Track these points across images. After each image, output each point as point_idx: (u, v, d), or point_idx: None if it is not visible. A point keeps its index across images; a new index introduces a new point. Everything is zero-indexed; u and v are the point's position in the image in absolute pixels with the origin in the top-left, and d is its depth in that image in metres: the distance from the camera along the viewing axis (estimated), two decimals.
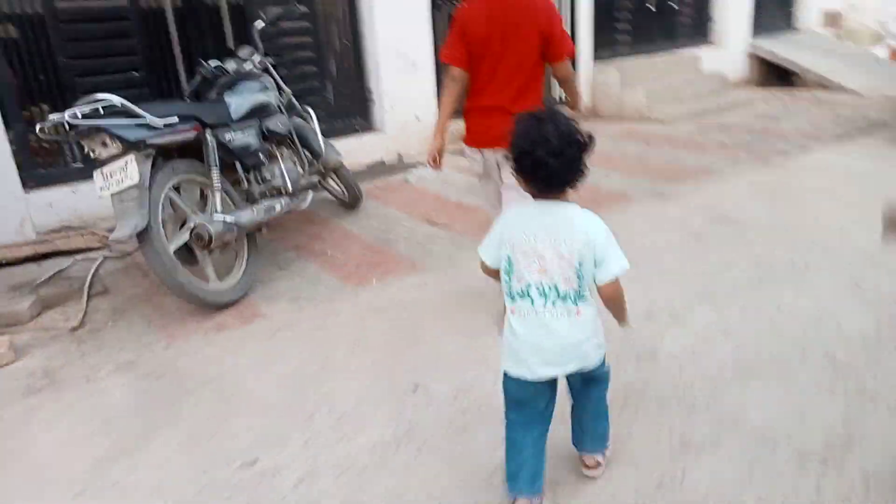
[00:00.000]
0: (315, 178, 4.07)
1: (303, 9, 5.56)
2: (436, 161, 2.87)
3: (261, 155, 3.56)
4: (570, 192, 1.65)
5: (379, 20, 5.84)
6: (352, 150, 5.87)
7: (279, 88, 4.16)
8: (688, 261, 3.40)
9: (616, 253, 1.62)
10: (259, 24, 3.98)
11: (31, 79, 4.38)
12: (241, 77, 3.69)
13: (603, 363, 1.78)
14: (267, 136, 3.74)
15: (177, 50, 5.01)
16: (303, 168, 3.96)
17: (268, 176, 3.62)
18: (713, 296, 2.98)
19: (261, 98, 3.65)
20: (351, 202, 4.54)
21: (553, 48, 2.70)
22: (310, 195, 3.86)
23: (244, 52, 3.96)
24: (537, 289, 1.61)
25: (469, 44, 2.68)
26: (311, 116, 4.07)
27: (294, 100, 4.25)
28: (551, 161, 1.52)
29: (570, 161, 1.55)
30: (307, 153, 4.08)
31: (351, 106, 6.12)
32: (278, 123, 3.79)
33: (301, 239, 4.12)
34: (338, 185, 4.42)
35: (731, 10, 8.61)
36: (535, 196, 1.64)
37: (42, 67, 4.40)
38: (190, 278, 2.96)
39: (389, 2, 5.85)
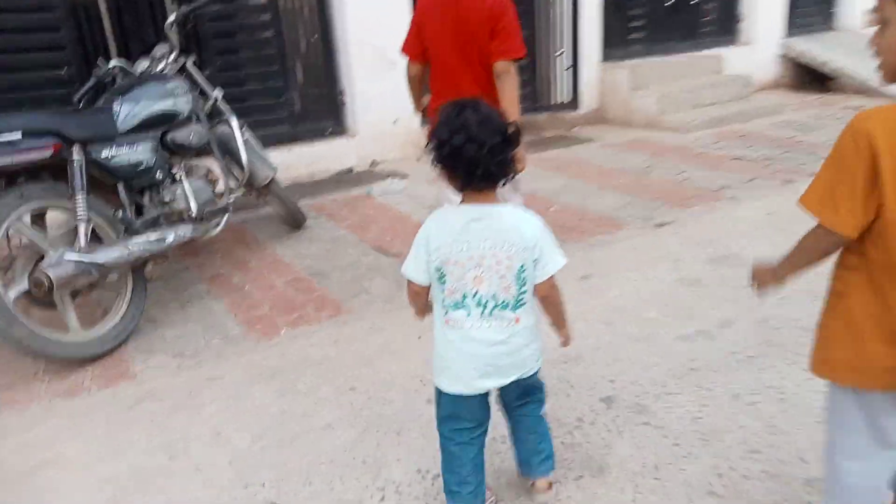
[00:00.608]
0: (242, 196, 3.46)
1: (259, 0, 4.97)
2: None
3: (158, 174, 2.95)
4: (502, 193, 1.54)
5: (351, 13, 5.20)
6: (320, 157, 5.27)
7: (202, 92, 3.56)
8: (674, 319, 2.69)
9: (552, 249, 1.51)
10: (172, 16, 3.37)
11: None
12: (142, 80, 3.09)
13: (538, 372, 1.64)
14: (173, 150, 3.15)
15: (112, 44, 4.45)
16: (226, 186, 3.35)
17: (167, 198, 3.02)
18: (697, 375, 2.27)
19: (163, 105, 3.04)
20: (291, 222, 3.92)
21: (494, 44, 2.49)
22: (223, 219, 3.24)
23: (160, 49, 3.37)
24: (474, 299, 1.48)
25: (425, 38, 2.63)
26: (232, 125, 3.45)
27: (223, 105, 3.65)
28: (471, 149, 1.38)
29: (492, 151, 1.39)
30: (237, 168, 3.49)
31: (320, 108, 5.50)
32: (190, 135, 3.18)
33: (223, 267, 3.51)
34: (275, 203, 3.80)
35: (764, 7, 7.75)
36: (461, 193, 1.48)
37: None
38: (32, 330, 2.37)
39: None
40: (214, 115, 3.52)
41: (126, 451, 2.07)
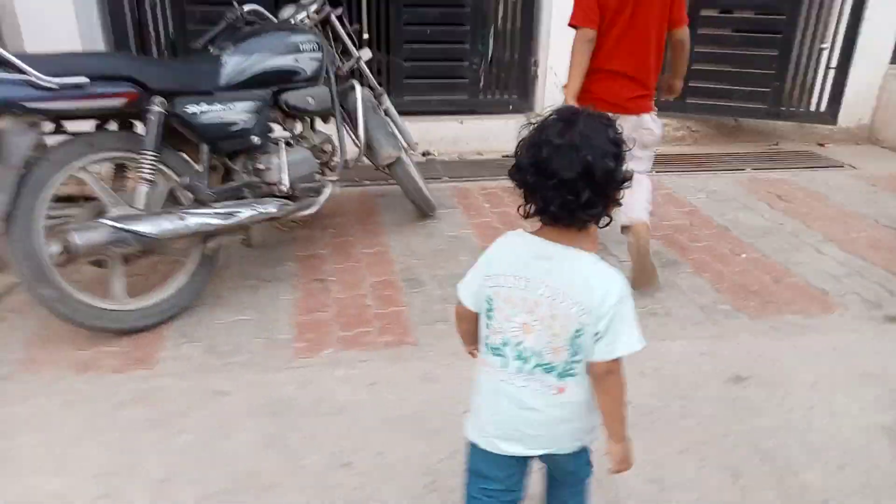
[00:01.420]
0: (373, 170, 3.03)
1: None
2: None
3: (254, 138, 2.64)
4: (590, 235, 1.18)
5: None
6: (496, 134, 4.69)
7: (344, 51, 3.18)
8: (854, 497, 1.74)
9: (629, 326, 1.17)
10: None
11: None
12: (266, 29, 2.77)
13: (582, 454, 1.35)
14: (288, 112, 2.82)
15: None
16: (342, 160, 2.97)
17: (261, 166, 2.71)
18: None
19: (281, 61, 2.69)
20: (418, 208, 3.45)
21: (676, 12, 2.76)
22: (322, 198, 2.86)
23: None
24: (516, 348, 1.20)
25: (602, 6, 2.65)
26: (356, 94, 3.02)
27: (364, 68, 3.24)
28: (539, 178, 1.09)
29: (569, 187, 1.07)
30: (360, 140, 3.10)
31: (508, 79, 4.88)
32: (309, 98, 2.82)
33: (326, 246, 3.18)
34: (401, 185, 3.34)
35: None
36: (543, 225, 1.18)
37: None
38: (64, 290, 2.21)
39: None
40: (360, 80, 3.15)
41: (70, 471, 1.81)
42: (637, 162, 2.88)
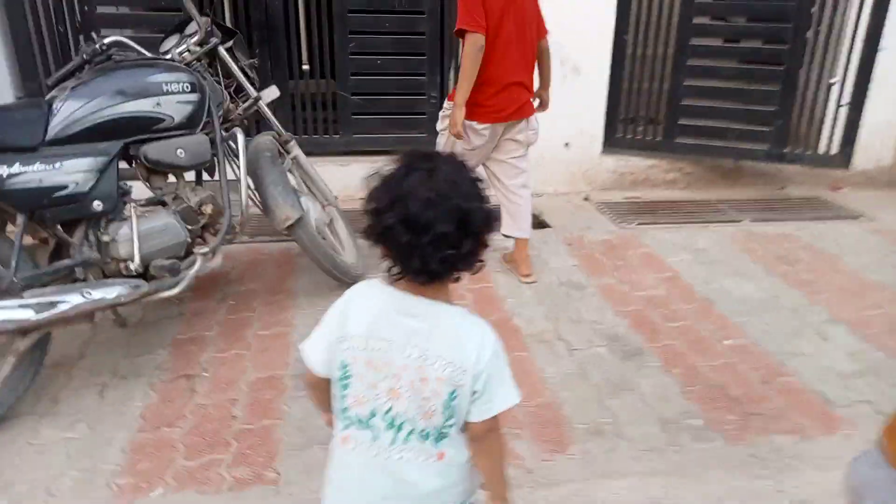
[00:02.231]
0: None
1: None
2: (460, 135, 2.71)
3: (94, 203, 2.10)
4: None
5: None
6: None
7: (238, 90, 2.65)
8: None
9: (506, 380, 1.09)
10: None
11: None
12: (118, 67, 2.24)
13: None
14: (151, 168, 2.29)
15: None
16: (226, 225, 2.41)
17: (106, 238, 2.17)
18: None
19: (133, 106, 2.17)
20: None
21: (542, 21, 2.85)
22: (193, 271, 2.30)
23: (190, 27, 2.52)
24: (385, 417, 1.06)
25: (487, 12, 2.56)
26: (237, 141, 2.48)
27: (265, 110, 2.71)
28: (406, 234, 0.97)
29: (436, 243, 0.97)
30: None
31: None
32: (176, 150, 2.28)
33: (199, 329, 2.62)
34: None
35: None
36: (410, 282, 1.05)
37: None
38: None
39: None
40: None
41: None
42: (526, 175, 3.08)
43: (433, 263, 0.99)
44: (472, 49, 2.56)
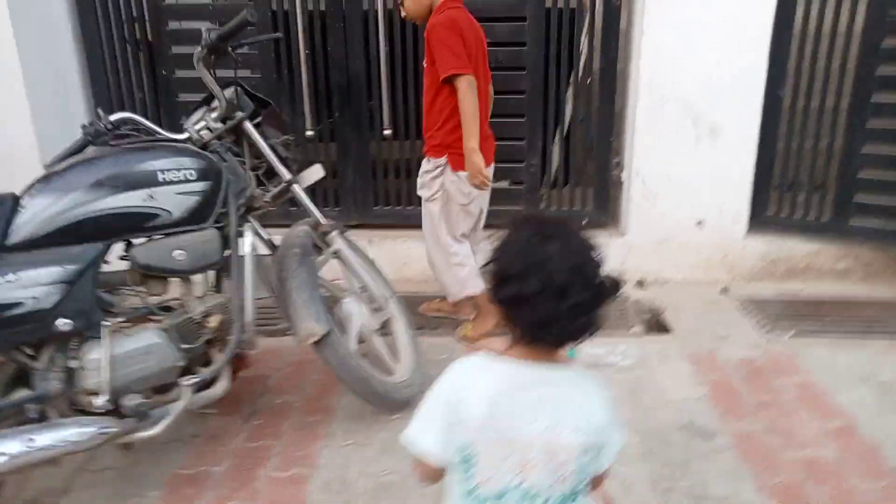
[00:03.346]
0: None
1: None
2: (485, 183, 2.59)
3: (59, 322, 1.69)
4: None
5: (650, 44, 3.19)
6: None
7: (270, 173, 2.21)
8: None
9: (619, 422, 1.10)
10: (199, 47, 2.06)
11: None
12: (105, 154, 1.85)
13: None
14: (144, 271, 1.87)
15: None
16: (235, 341, 1.93)
17: (73, 363, 1.75)
18: None
19: (119, 201, 1.76)
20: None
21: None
22: (177, 407, 1.82)
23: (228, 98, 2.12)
24: (517, 491, 1.03)
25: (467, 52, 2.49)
26: (243, 241, 2.00)
27: (303, 198, 2.23)
28: (548, 303, 0.97)
29: (576, 310, 0.98)
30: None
31: (580, 184, 3.65)
32: (174, 252, 1.85)
33: (207, 463, 2.13)
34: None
35: None
36: (524, 349, 1.04)
37: None
38: None
39: (679, 16, 3.13)
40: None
41: None
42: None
43: (569, 331, 1.00)
44: (470, 90, 2.46)
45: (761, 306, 3.12)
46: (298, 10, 3.32)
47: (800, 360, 2.62)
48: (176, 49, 3.45)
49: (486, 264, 1.05)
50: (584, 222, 3.59)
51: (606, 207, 3.60)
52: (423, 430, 1.07)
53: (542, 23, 3.34)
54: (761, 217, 3.44)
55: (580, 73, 3.45)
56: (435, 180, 2.65)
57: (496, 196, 3.70)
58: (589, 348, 2.23)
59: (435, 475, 1.10)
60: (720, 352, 2.69)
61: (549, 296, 0.97)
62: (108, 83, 3.48)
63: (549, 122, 3.51)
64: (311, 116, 3.49)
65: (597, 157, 3.56)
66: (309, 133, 3.49)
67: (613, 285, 1.02)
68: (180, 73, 3.49)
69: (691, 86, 3.21)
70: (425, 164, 2.71)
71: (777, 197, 3.46)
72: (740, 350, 2.71)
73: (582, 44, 3.41)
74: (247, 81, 3.43)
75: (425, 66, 2.61)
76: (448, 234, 2.72)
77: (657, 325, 3.01)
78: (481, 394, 1.03)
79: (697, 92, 3.22)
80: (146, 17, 3.41)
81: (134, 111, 3.44)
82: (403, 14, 2.66)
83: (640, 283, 3.42)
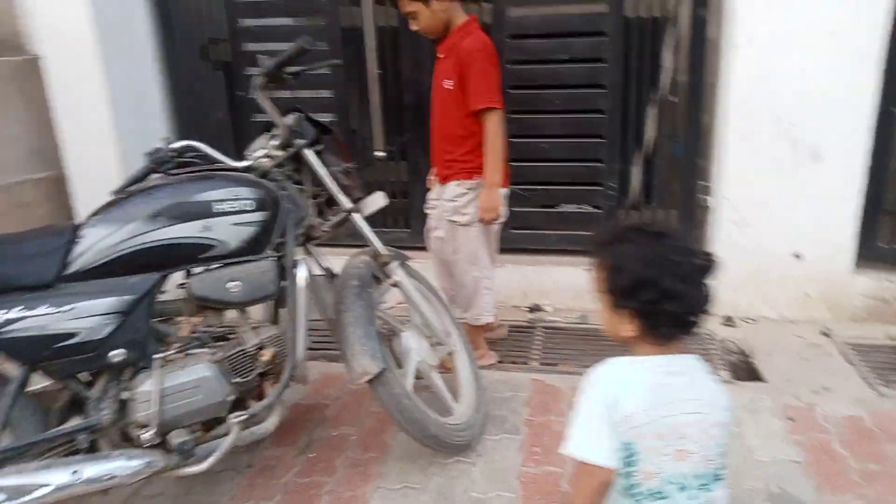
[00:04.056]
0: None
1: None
2: (494, 221, 2.58)
3: (111, 354, 1.68)
4: None
5: (745, 55, 2.93)
6: None
7: (330, 202, 2.14)
8: None
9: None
10: (257, 73, 2.01)
11: None
12: (164, 183, 1.83)
13: None
14: (199, 302, 1.84)
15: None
16: (287, 377, 1.87)
17: (125, 395, 1.73)
18: None
19: (175, 232, 1.74)
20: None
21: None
22: (227, 442, 1.77)
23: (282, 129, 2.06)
24: (677, 481, 1.12)
25: None
26: (298, 276, 1.91)
27: (365, 229, 2.14)
28: (690, 296, 1.12)
29: (705, 291, 1.14)
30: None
31: (663, 212, 3.40)
32: (228, 284, 1.81)
33: (251, 499, 2.06)
34: None
35: None
36: (656, 346, 1.16)
37: None
38: None
39: (777, 26, 2.86)
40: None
41: None
42: None
43: (697, 318, 1.13)
44: (501, 127, 2.49)
45: (869, 353, 2.78)
46: (370, 27, 3.28)
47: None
48: (251, 70, 3.48)
49: (608, 276, 1.16)
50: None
51: (691, 234, 3.33)
52: (588, 437, 1.12)
53: (622, 37, 3.14)
54: (871, 249, 3.09)
55: (664, 90, 3.22)
56: (471, 203, 2.55)
57: (574, 220, 3.54)
58: None
59: (604, 484, 1.14)
60: (820, 407, 2.39)
61: (683, 290, 1.09)
62: (187, 104, 3.56)
63: (630, 143, 3.30)
64: (382, 136, 3.43)
65: (682, 180, 3.32)
66: (379, 154, 3.43)
67: (710, 260, 1.14)
68: None
69: (790, 104, 2.92)
70: (453, 189, 2.57)
71: (891, 225, 3.10)
72: (844, 406, 2.40)
73: (665, 58, 3.19)
74: (318, 101, 3.49)
75: (446, 86, 2.49)
76: (488, 256, 2.66)
77: (747, 370, 2.74)
78: (637, 389, 1.12)
79: (797, 111, 2.92)
80: (226, 39, 3.47)
81: (212, 133, 3.55)
82: (415, 27, 2.54)
83: (729, 321, 3.13)
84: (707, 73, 3.15)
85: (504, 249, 3.38)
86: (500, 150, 2.49)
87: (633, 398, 1.12)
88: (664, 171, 3.33)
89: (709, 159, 3.24)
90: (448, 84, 2.49)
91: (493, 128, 2.46)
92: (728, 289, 3.13)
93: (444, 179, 2.62)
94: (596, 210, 3.43)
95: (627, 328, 1.15)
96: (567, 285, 3.35)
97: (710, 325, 3.09)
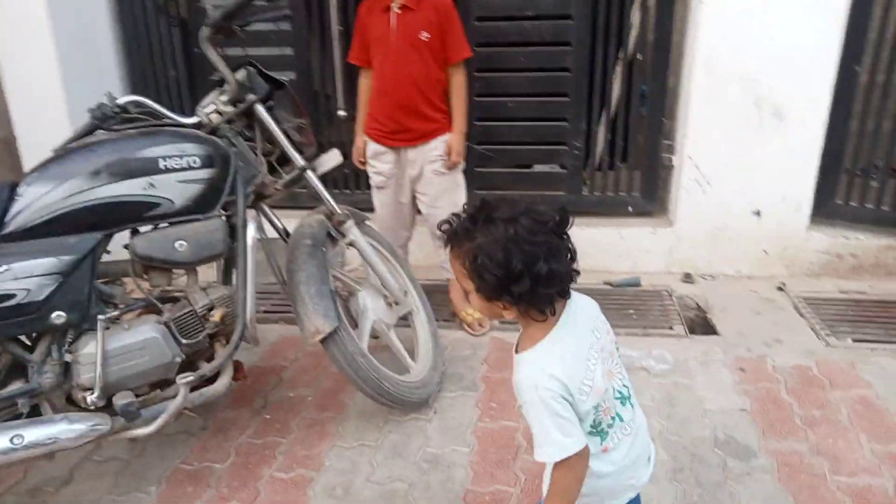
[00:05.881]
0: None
1: None
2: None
3: (53, 315, 1.64)
4: None
5: (709, 19, 2.91)
6: (603, 247, 3.27)
7: (284, 158, 2.10)
8: None
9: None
10: (205, 27, 1.94)
11: None
12: (105, 140, 1.77)
13: None
14: (144, 262, 1.81)
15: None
16: (238, 336, 1.86)
17: (69, 357, 1.70)
18: None
19: (117, 189, 1.70)
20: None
21: None
22: (174, 405, 1.76)
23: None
24: (617, 396, 1.19)
25: None
26: (247, 233, 1.88)
27: (318, 186, 2.11)
28: (558, 266, 1.07)
29: (571, 252, 1.11)
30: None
31: (627, 171, 3.40)
32: (175, 243, 1.78)
33: (212, 457, 2.07)
34: None
35: None
36: (541, 316, 1.11)
37: None
38: None
39: None
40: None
41: None
42: None
43: (570, 279, 1.11)
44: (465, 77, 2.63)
45: (821, 307, 2.84)
46: None
47: (860, 370, 2.36)
48: None
49: (473, 276, 1.09)
50: (629, 210, 3.37)
51: (654, 194, 3.34)
52: (562, 434, 1.09)
53: None
54: (827, 206, 3.13)
55: (630, 48, 3.18)
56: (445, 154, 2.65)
57: (538, 180, 3.53)
58: (623, 350, 2.07)
59: (584, 465, 1.13)
60: (770, 358, 2.45)
61: (554, 269, 1.05)
62: (141, 62, 3.44)
63: (595, 102, 3.27)
64: (343, 95, 3.36)
65: (646, 139, 3.31)
66: (341, 113, 3.36)
67: (565, 213, 1.11)
68: None
69: (755, 62, 2.91)
70: (439, 146, 2.61)
71: (846, 183, 3.13)
72: (793, 357, 2.46)
73: (632, 15, 3.14)
74: (280, 59, 3.40)
75: (423, 38, 2.47)
76: (464, 202, 2.68)
77: (702, 324, 2.78)
78: (566, 362, 1.11)
79: (761, 69, 2.92)
80: None
81: (169, 92, 3.45)
82: None
83: (688, 277, 3.17)
84: (674, 32, 3.12)
85: None
86: (466, 99, 2.65)
87: (570, 372, 1.10)
88: (629, 130, 3.32)
89: (673, 119, 3.24)
90: (425, 36, 2.46)
91: (462, 77, 2.61)
92: (688, 247, 3.19)
93: (425, 137, 2.59)
94: (562, 170, 3.42)
95: (508, 313, 1.12)
96: None
97: (670, 282, 3.13)
